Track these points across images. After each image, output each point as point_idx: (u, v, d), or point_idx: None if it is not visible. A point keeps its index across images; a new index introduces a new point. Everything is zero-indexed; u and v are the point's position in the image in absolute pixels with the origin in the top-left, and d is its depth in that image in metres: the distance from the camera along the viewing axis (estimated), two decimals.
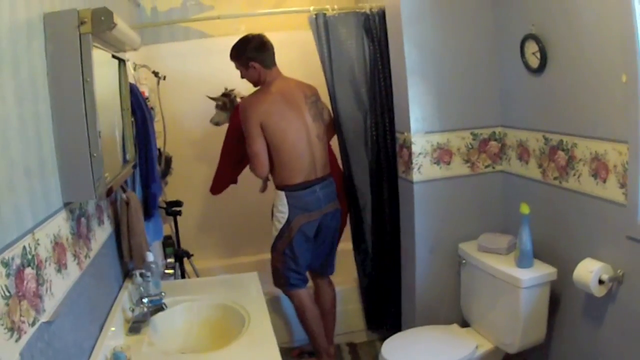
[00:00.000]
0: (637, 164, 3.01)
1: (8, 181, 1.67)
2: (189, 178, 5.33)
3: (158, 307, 2.88)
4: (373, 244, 4.71)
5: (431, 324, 4.19)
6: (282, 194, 4.32)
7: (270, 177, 4.48)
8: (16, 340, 1.58)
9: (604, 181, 3.28)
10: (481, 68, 4.20)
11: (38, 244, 1.82)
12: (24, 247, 1.70)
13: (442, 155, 4.17)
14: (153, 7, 5.18)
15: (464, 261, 4.08)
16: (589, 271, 3.24)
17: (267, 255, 4.52)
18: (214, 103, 4.93)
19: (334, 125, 4.57)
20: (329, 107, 4.57)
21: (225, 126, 4.79)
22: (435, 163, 4.16)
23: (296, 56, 5.19)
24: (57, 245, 2.02)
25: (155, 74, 4.48)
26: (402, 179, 4.37)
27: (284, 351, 2.82)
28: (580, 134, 3.46)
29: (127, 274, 3.23)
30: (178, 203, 4.53)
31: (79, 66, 2.01)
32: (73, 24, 2.00)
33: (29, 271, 1.72)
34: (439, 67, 4.13)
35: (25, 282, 1.68)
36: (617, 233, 3.22)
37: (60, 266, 2.03)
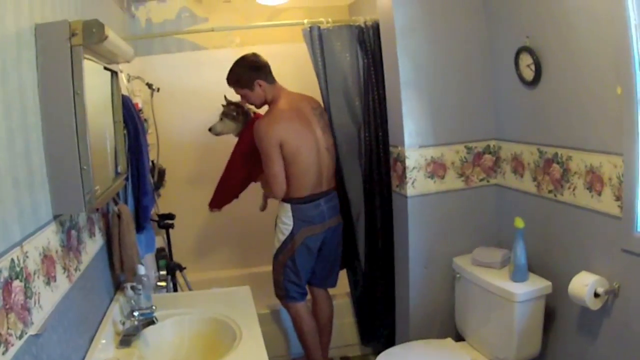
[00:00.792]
0: (632, 176, 3.01)
1: None
2: (182, 190, 5.32)
3: (149, 321, 2.86)
4: (366, 257, 4.71)
5: (425, 338, 4.16)
6: (287, 206, 4.32)
7: (270, 194, 4.57)
8: (3, 353, 1.57)
9: (599, 194, 3.27)
10: (475, 81, 4.21)
11: (27, 257, 1.80)
12: (12, 260, 1.69)
13: (436, 169, 4.16)
14: (147, 19, 5.19)
15: (458, 275, 4.07)
16: (584, 284, 3.23)
17: (261, 268, 4.54)
18: (209, 114, 4.91)
19: None
20: None
21: (223, 139, 4.78)
22: (429, 177, 4.15)
23: (290, 69, 5.17)
24: (46, 258, 2.00)
25: (149, 85, 4.48)
26: (396, 193, 4.35)
27: None
28: (575, 146, 3.45)
29: (118, 286, 3.21)
30: (170, 216, 4.51)
31: (69, 78, 2.00)
32: (64, 36, 1.99)
33: (17, 284, 1.70)
34: (432, 80, 4.13)
35: (13, 294, 1.67)
36: (612, 246, 3.20)
37: (49, 279, 2.01)
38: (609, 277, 3.23)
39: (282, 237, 4.35)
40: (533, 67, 3.68)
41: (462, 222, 4.29)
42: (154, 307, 2.90)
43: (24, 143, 1.88)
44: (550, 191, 3.69)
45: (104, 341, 2.58)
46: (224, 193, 4.78)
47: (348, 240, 4.73)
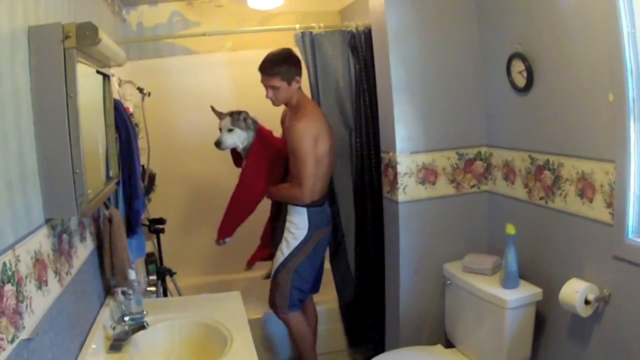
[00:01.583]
0: (624, 183, 3.02)
1: None
2: (173, 195, 5.30)
3: (139, 326, 2.84)
4: (356, 263, 4.71)
5: (415, 344, 4.17)
6: (303, 210, 4.25)
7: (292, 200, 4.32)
8: None
9: (591, 201, 3.28)
10: (467, 87, 4.21)
11: (19, 260, 1.79)
12: (4, 264, 1.67)
13: (428, 175, 4.17)
14: (139, 23, 5.17)
15: (448, 282, 4.07)
16: (575, 291, 3.23)
17: (251, 274, 4.51)
18: (200, 119, 4.91)
19: None
20: None
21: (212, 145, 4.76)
22: (420, 183, 4.15)
23: None
24: (38, 261, 1.99)
25: (140, 90, 4.47)
26: (387, 199, 4.35)
27: None
28: (567, 153, 3.46)
29: (109, 291, 3.20)
30: (161, 220, 4.49)
31: (62, 81, 1.99)
32: (57, 38, 1.98)
33: (8, 288, 1.69)
34: (424, 86, 4.13)
35: (4, 298, 1.65)
36: (603, 253, 3.21)
37: (41, 283, 2.00)
38: (599, 284, 3.23)
39: (295, 243, 4.26)
40: (525, 73, 3.69)
41: (453, 229, 4.29)
42: (144, 312, 2.89)
43: (17, 146, 1.87)
44: (541, 198, 3.69)
45: (94, 346, 2.57)
46: (237, 216, 4.52)
47: (338, 245, 4.74)
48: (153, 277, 4.47)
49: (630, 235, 3.04)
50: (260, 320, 4.80)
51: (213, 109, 4.54)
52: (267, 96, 4.21)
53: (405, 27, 4.06)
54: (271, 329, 4.79)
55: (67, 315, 2.34)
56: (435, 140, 4.16)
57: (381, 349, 4.53)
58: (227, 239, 4.56)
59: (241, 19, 5.34)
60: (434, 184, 4.18)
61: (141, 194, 3.62)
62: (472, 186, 4.28)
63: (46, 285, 2.06)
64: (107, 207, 3.11)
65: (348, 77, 4.62)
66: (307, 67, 4.57)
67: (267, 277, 4.51)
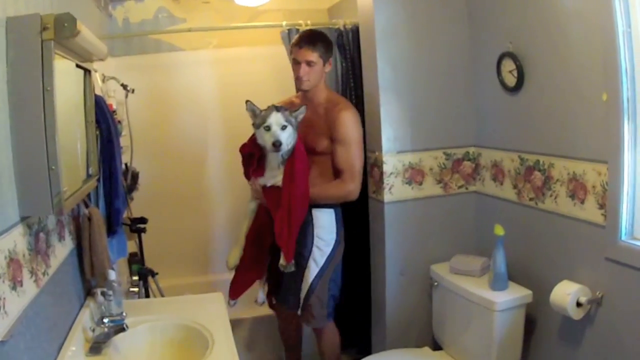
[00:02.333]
0: (617, 184, 3.01)
1: None
2: (156, 194, 5.24)
3: (120, 328, 2.78)
4: (342, 264, 4.66)
5: (402, 346, 4.15)
6: (331, 212, 4.02)
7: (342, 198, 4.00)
8: None
9: (582, 202, 3.27)
10: (456, 86, 4.20)
11: None
12: None
13: (414, 175, 4.14)
14: (125, 19, 5.13)
15: (435, 283, 4.04)
16: (567, 293, 3.22)
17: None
18: (184, 117, 4.85)
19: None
20: None
21: (200, 143, 4.68)
22: (407, 183, 4.13)
23: (269, 72, 5.18)
24: (13, 261, 1.92)
25: (124, 86, 4.43)
26: (373, 199, 4.32)
27: None
28: (558, 154, 3.46)
29: (88, 292, 3.12)
30: (143, 220, 4.43)
31: (39, 74, 1.93)
32: (35, 30, 1.92)
33: None
34: (412, 85, 4.11)
35: None
36: (595, 255, 3.20)
37: (16, 283, 1.94)
38: (592, 286, 3.23)
39: (328, 249, 4.00)
40: (515, 72, 3.68)
41: (440, 229, 4.27)
42: (124, 314, 2.83)
43: None
44: (531, 199, 3.68)
45: (73, 348, 2.50)
46: (297, 232, 3.84)
47: None
48: (136, 278, 4.42)
49: (623, 237, 3.04)
50: (244, 321, 4.75)
51: (249, 103, 3.79)
52: (298, 74, 3.90)
53: (393, 25, 4.04)
54: (255, 329, 4.74)
55: (44, 317, 2.28)
56: (423, 140, 4.13)
57: (367, 352, 4.47)
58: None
59: (228, 15, 5.31)
60: (420, 184, 4.15)
61: (122, 193, 3.56)
62: (460, 187, 4.26)
63: (21, 285, 1.99)
64: (87, 206, 3.05)
65: (335, 75, 4.59)
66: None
67: (261, 302, 4.30)
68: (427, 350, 4.02)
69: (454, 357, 3.91)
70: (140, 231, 4.44)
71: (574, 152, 3.33)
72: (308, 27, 4.51)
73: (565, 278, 3.36)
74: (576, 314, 3.23)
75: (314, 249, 3.98)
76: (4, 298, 1.82)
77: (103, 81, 4.14)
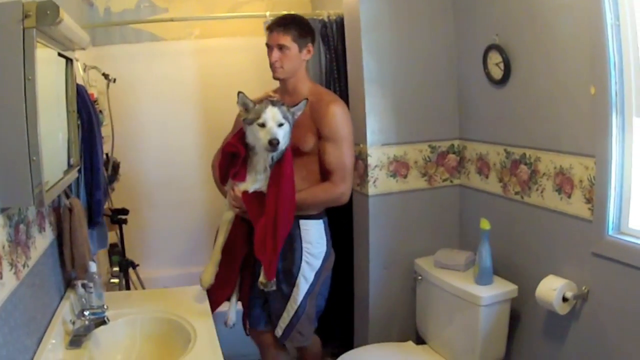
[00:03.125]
0: (604, 178, 3.02)
1: None
2: (136, 185, 5.22)
3: (100, 321, 2.76)
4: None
5: (385, 341, 4.14)
6: (319, 222, 3.71)
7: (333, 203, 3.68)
8: None
9: (569, 196, 3.29)
10: (441, 79, 4.19)
11: None
12: None
13: (399, 168, 4.13)
14: (106, 8, 5.09)
15: (419, 277, 4.03)
16: (553, 288, 3.24)
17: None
18: (166, 107, 4.82)
19: None
20: None
21: (185, 134, 4.65)
22: (391, 176, 4.11)
23: (251, 62, 5.14)
24: None
25: (105, 76, 4.41)
26: (357, 192, 4.29)
27: None
28: (544, 147, 3.46)
29: (69, 284, 3.11)
30: (124, 211, 4.41)
31: (21, 62, 1.89)
32: (17, 17, 1.88)
33: None
34: (397, 77, 4.09)
35: None
36: (582, 249, 3.22)
37: None
38: (578, 282, 3.24)
39: (318, 263, 3.67)
40: (502, 65, 3.68)
41: (425, 223, 4.27)
42: (105, 307, 2.81)
43: None
44: (517, 193, 3.69)
45: (53, 341, 2.49)
46: (282, 242, 3.42)
47: None
48: (116, 269, 4.39)
49: (610, 232, 3.05)
50: (225, 314, 4.73)
51: (242, 95, 3.38)
52: (271, 60, 3.60)
53: (378, 17, 4.02)
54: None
55: (23, 309, 2.26)
56: (408, 132, 4.13)
57: (349, 346, 4.47)
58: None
59: (210, 5, 5.28)
60: (405, 177, 4.14)
61: (103, 183, 3.55)
62: (445, 180, 4.25)
63: (0, 278, 1.96)
64: (67, 196, 3.03)
65: (318, 66, 4.56)
66: None
67: (232, 324, 3.80)
68: (410, 344, 4.02)
69: (437, 352, 3.90)
70: (121, 222, 4.41)
71: (561, 145, 3.34)
72: None
73: (551, 273, 3.37)
74: (562, 309, 3.24)
75: (303, 264, 3.65)
76: None
77: (84, 71, 4.11)
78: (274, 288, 3.43)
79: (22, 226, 2.30)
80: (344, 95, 4.41)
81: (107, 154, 4.36)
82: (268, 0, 5.34)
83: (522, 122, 3.65)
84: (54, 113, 2.53)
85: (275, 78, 3.68)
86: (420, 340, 4.12)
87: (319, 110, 3.53)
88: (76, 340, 2.69)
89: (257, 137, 3.29)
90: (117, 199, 4.75)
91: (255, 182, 3.44)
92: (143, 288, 4.58)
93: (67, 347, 2.64)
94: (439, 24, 4.17)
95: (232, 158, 3.45)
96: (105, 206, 3.98)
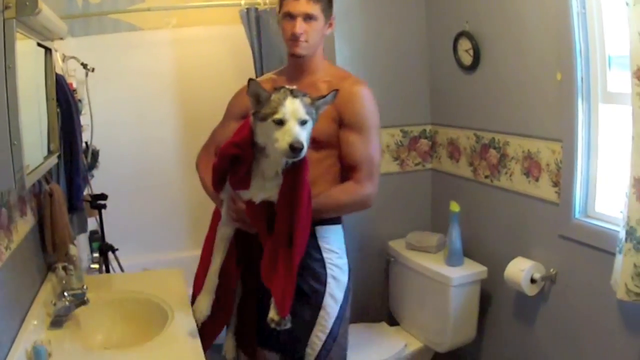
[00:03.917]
0: (571, 162, 3.12)
1: None
2: (116, 173, 5.26)
3: (80, 301, 2.82)
4: None
5: (358, 322, 4.17)
6: (340, 228, 3.13)
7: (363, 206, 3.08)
8: None
9: (537, 180, 3.38)
10: (412, 65, 4.27)
11: None
12: None
13: None
14: None
15: (392, 259, 4.10)
16: (521, 270, 3.33)
17: (195, 252, 4.48)
18: (144, 96, 4.90)
19: None
20: None
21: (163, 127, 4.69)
22: None
23: (227, 51, 5.20)
24: None
25: (84, 65, 4.46)
26: None
27: None
28: (513, 132, 3.56)
29: (49, 268, 3.16)
30: (103, 196, 4.45)
31: (1, 52, 1.95)
32: None
33: None
34: (369, 63, 4.16)
35: None
36: (549, 232, 3.32)
37: None
38: (545, 263, 3.34)
39: (345, 279, 3.06)
40: (472, 52, 3.77)
41: (397, 206, 4.34)
42: (85, 287, 2.87)
43: None
44: (486, 176, 3.79)
45: (35, 322, 2.55)
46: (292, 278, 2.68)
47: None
48: (96, 255, 4.45)
49: (577, 215, 3.15)
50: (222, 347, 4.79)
51: (254, 83, 2.58)
52: (295, 31, 2.88)
53: (351, 3, 4.09)
54: None
55: (5, 291, 2.32)
56: (380, 118, 4.17)
57: None
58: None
59: None
60: None
61: (82, 170, 3.61)
62: (417, 164, 4.33)
63: None
64: (47, 182, 3.09)
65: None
66: (252, 44, 4.57)
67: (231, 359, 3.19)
68: (384, 325, 4.10)
69: (410, 332, 3.98)
70: (100, 207, 4.46)
71: (529, 130, 3.43)
72: (267, 6, 4.55)
73: (519, 255, 3.47)
74: (530, 290, 3.34)
75: (330, 280, 2.98)
76: None
77: (63, 61, 4.16)
78: (289, 326, 2.68)
79: (3, 210, 2.36)
80: None
81: (86, 142, 4.40)
82: None
83: (491, 108, 3.74)
84: (34, 100, 2.58)
85: (295, 55, 2.97)
86: (393, 322, 4.20)
87: (341, 92, 2.76)
88: (57, 321, 2.74)
89: (272, 138, 2.52)
90: (96, 187, 4.79)
91: (262, 190, 2.72)
92: (122, 272, 4.63)
93: (49, 328, 2.70)
94: (410, 10, 4.25)
95: (234, 162, 2.70)
96: (85, 192, 4.04)
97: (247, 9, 4.56)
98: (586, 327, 3.16)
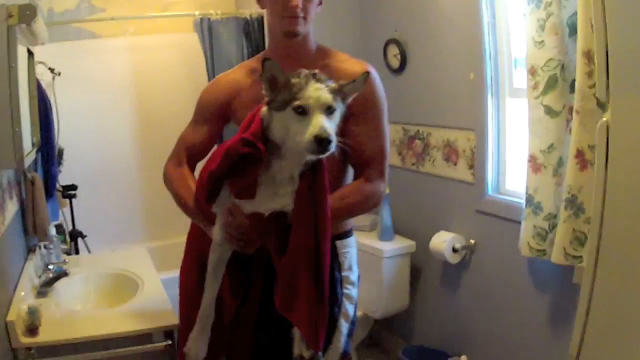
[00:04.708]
0: (483, 148, 3.60)
1: None
2: (79, 169, 5.33)
3: (62, 273, 3.15)
4: None
5: None
6: (354, 239, 2.72)
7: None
8: None
9: (455, 164, 3.82)
10: None
11: None
12: None
13: None
14: (50, 8, 5.25)
15: None
16: (443, 240, 3.75)
17: (162, 241, 4.83)
18: (105, 98, 5.24)
19: None
20: None
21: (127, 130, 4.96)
22: None
23: (181, 58, 5.53)
24: None
25: (51, 70, 4.74)
26: None
27: None
28: (434, 124, 4.00)
29: (29, 250, 3.39)
30: (73, 187, 4.76)
31: (6, 53, 2.31)
32: (2, 17, 2.29)
33: None
34: None
35: None
36: (467, 208, 3.76)
37: None
38: (465, 235, 3.78)
39: (356, 293, 2.64)
40: (399, 56, 4.20)
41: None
42: (66, 261, 3.22)
43: None
44: (413, 164, 4.22)
45: (22, 293, 2.81)
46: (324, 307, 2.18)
47: None
48: (65, 247, 4.67)
49: (489, 192, 3.64)
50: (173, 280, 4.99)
51: (269, 63, 2.06)
52: (292, 5, 2.43)
53: None
54: None
55: (2, 264, 2.62)
56: None
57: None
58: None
59: (143, 4, 5.53)
60: None
61: (56, 161, 4.00)
62: None
63: None
64: (28, 172, 3.38)
65: (241, 60, 4.85)
66: (205, 51, 4.93)
67: None
68: None
69: None
70: (71, 197, 4.76)
71: (448, 122, 3.88)
72: (218, 17, 4.93)
73: (442, 229, 3.89)
74: (453, 259, 3.78)
75: (344, 301, 2.55)
76: None
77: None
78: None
79: None
80: None
81: None
82: (196, 0, 5.68)
83: (416, 104, 4.17)
84: (24, 97, 2.83)
85: (292, 33, 2.52)
86: None
87: (343, 74, 2.41)
88: (43, 291, 3.08)
89: (294, 131, 2.02)
90: (64, 182, 5.01)
91: (273, 198, 2.17)
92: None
93: (36, 297, 3.00)
94: (346, 19, 4.67)
95: (241, 165, 2.11)
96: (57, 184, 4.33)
97: (201, 18, 4.92)
98: (502, 288, 3.59)
